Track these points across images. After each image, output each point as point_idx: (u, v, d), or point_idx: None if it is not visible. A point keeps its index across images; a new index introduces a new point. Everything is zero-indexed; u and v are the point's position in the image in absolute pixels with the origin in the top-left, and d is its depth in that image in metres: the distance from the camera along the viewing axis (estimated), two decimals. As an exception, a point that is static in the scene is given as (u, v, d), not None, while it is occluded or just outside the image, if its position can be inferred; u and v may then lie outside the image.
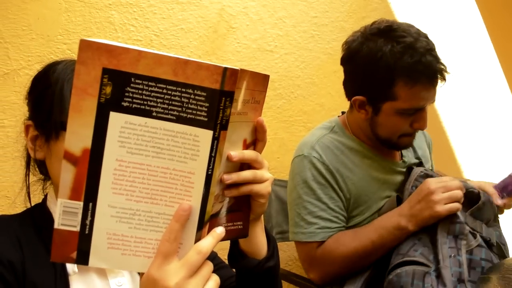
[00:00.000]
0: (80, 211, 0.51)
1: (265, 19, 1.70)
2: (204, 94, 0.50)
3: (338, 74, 1.85)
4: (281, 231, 1.42)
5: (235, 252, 0.72)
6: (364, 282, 1.03)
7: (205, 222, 0.54)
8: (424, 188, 1.07)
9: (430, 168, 1.34)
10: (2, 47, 1.31)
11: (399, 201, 1.15)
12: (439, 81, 1.09)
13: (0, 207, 1.31)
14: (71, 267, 0.68)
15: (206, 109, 0.50)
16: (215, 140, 0.51)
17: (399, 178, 1.25)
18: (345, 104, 1.87)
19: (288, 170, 1.75)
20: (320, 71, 1.82)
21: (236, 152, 0.58)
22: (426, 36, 1.12)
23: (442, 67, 1.08)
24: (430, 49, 1.07)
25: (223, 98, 0.50)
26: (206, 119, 0.50)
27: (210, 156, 0.51)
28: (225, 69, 0.49)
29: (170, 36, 1.53)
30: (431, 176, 1.18)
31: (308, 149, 1.20)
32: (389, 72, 1.08)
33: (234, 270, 0.78)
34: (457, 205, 1.04)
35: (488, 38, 2.29)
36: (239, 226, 0.65)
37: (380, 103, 1.13)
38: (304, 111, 1.79)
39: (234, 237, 0.64)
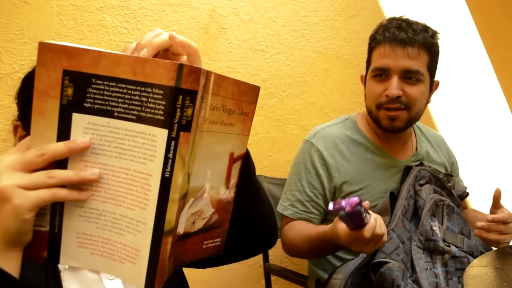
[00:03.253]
0: (48, 212, 0.52)
1: (255, 19, 1.72)
2: (161, 92, 0.48)
3: (329, 72, 1.88)
4: (275, 228, 1.45)
5: None
6: (352, 273, 1.06)
7: (166, 232, 0.50)
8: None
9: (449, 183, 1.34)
10: (-5, 52, 1.32)
11: (393, 197, 1.18)
12: (407, 49, 1.17)
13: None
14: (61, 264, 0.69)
15: (163, 108, 0.48)
16: (172, 140, 0.48)
17: (398, 175, 1.28)
18: (336, 102, 1.90)
19: (281, 168, 1.78)
20: (311, 69, 1.84)
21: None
22: (424, 25, 1.22)
23: (410, 35, 1.16)
24: (404, 21, 1.21)
25: (181, 96, 0.48)
26: (162, 117, 0.48)
27: (166, 158, 0.49)
28: (181, 65, 0.47)
29: (162, 37, 1.54)
30: (428, 177, 1.22)
31: (311, 136, 1.31)
32: (370, 41, 1.27)
33: None
34: (381, 243, 0.98)
35: (478, 36, 2.31)
36: (218, 243, 0.63)
37: (367, 73, 1.28)
38: (296, 109, 1.82)
39: (212, 254, 0.63)
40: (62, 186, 0.50)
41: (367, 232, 0.92)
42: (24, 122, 0.71)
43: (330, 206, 0.89)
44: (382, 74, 1.20)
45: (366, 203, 0.95)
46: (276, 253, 1.72)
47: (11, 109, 1.34)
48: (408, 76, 1.18)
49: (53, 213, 0.52)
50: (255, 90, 0.60)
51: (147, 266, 0.50)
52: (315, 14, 1.84)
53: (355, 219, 0.91)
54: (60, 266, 0.69)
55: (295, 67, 1.81)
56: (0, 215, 0.48)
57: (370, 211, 0.95)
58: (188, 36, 1.58)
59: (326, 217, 1.29)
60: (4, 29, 1.32)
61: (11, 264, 0.50)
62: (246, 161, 0.71)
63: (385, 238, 0.98)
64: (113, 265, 0.52)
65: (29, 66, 1.36)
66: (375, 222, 0.94)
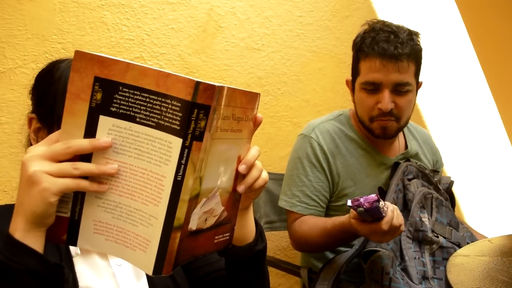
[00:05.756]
0: (71, 200, 0.58)
1: (252, 18, 1.76)
2: (179, 104, 0.53)
3: (323, 71, 1.93)
4: (269, 221, 1.49)
5: None
6: (346, 262, 1.11)
7: (175, 227, 0.56)
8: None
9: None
10: (-1, 47, 1.36)
11: (382, 192, 1.24)
12: (398, 64, 1.19)
13: (-1, 201, 1.36)
14: (74, 250, 0.74)
15: (179, 119, 0.53)
16: (186, 148, 0.54)
17: (387, 172, 1.33)
18: (329, 100, 1.95)
19: (275, 164, 1.83)
20: (305, 68, 1.89)
21: (244, 165, 0.64)
22: (408, 32, 1.23)
23: (399, 50, 1.18)
24: (392, 32, 1.21)
25: (196, 110, 0.53)
26: (178, 127, 0.53)
27: (179, 163, 0.54)
28: (198, 83, 0.52)
29: (161, 35, 1.59)
30: (415, 172, 1.27)
31: (309, 130, 1.33)
32: (356, 50, 1.28)
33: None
34: (399, 232, 1.03)
35: (467, 36, 2.37)
36: (227, 237, 0.69)
37: (354, 81, 1.30)
38: (290, 107, 1.86)
39: (222, 248, 0.69)
40: (85, 178, 0.56)
41: (384, 225, 0.96)
42: (38, 115, 0.75)
43: (349, 202, 0.94)
44: (372, 88, 1.23)
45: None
46: (270, 246, 1.77)
47: (14, 103, 1.38)
48: (399, 88, 1.22)
49: (74, 202, 0.58)
50: (257, 97, 0.66)
51: (156, 255, 0.56)
52: (310, 14, 1.89)
53: (373, 214, 0.95)
54: (73, 252, 0.73)
55: (290, 66, 1.85)
56: (29, 197, 0.54)
57: (387, 203, 0.99)
58: (187, 34, 1.63)
59: (327, 212, 1.32)
60: (7, 25, 1.36)
61: (36, 243, 0.56)
62: (262, 253, 0.79)
63: (402, 227, 1.02)
64: (125, 251, 0.58)
65: (32, 61, 1.41)
66: (392, 214, 0.98)
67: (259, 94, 0.66)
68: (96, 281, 0.73)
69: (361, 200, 0.92)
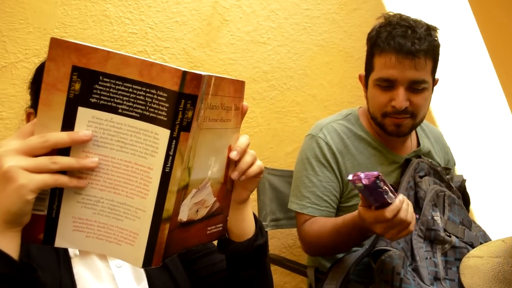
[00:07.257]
0: (48, 197, 0.55)
1: (258, 11, 1.72)
2: (165, 95, 0.52)
3: (330, 65, 1.89)
4: (275, 219, 1.47)
5: (223, 239, 0.74)
6: (355, 262, 1.08)
7: (164, 219, 0.55)
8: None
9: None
10: (0, 41, 1.33)
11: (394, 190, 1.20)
12: (415, 60, 1.14)
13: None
14: (72, 251, 0.71)
15: (166, 109, 0.52)
16: (174, 139, 0.53)
17: (399, 171, 1.29)
18: (337, 95, 1.92)
19: (281, 160, 1.80)
20: (312, 62, 1.85)
21: (235, 152, 0.63)
22: (426, 27, 1.18)
23: (417, 46, 1.13)
24: (409, 26, 1.16)
25: (183, 100, 0.52)
26: (165, 118, 0.52)
27: (168, 154, 0.53)
28: (185, 72, 0.51)
29: (165, 29, 1.56)
30: (427, 169, 1.23)
31: (317, 130, 1.30)
32: (370, 44, 1.23)
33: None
34: (406, 231, 0.96)
35: (479, 33, 2.32)
36: (220, 228, 0.68)
37: (368, 76, 1.25)
38: (297, 102, 1.83)
39: (215, 238, 0.68)
40: (63, 173, 0.53)
41: (388, 212, 0.89)
42: (36, 110, 0.73)
43: (350, 177, 0.86)
44: (387, 84, 1.18)
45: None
46: (276, 244, 1.74)
47: (16, 98, 1.36)
48: (414, 86, 1.17)
49: (52, 199, 0.55)
50: (243, 85, 0.64)
51: (145, 247, 0.55)
52: (317, 7, 1.85)
53: (375, 194, 0.86)
54: (71, 253, 0.71)
55: (296, 60, 1.82)
56: (4, 195, 0.51)
57: (400, 195, 0.92)
58: (191, 28, 1.60)
59: (337, 214, 1.27)
60: (8, 18, 1.33)
61: (10, 244, 0.52)
62: (263, 249, 0.76)
63: (412, 227, 0.95)
64: (109, 246, 0.56)
65: (33, 55, 1.38)
66: (400, 204, 0.91)
67: (244, 82, 0.65)
68: (95, 284, 0.71)
69: (361, 175, 0.84)
